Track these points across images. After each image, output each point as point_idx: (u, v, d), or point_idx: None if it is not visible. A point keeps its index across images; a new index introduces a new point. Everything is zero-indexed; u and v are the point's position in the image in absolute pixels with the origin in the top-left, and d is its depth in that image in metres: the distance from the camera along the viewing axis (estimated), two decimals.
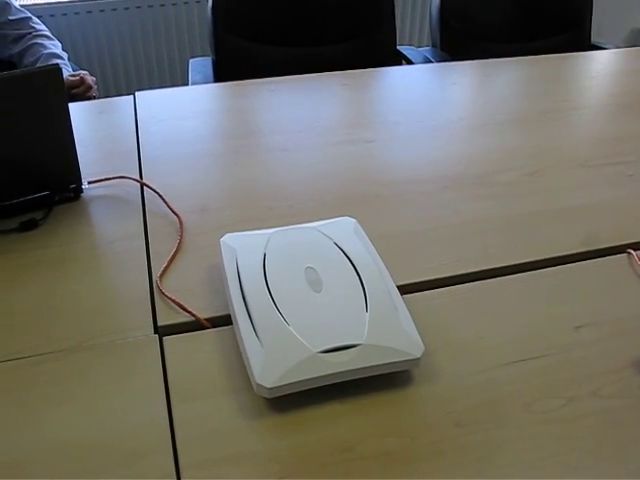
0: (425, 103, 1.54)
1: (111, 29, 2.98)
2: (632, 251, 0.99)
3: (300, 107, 1.51)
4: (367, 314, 0.77)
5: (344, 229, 0.90)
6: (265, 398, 0.74)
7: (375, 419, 0.74)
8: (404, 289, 0.89)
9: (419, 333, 0.78)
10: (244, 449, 0.70)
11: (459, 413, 0.75)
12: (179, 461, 0.69)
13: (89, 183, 1.14)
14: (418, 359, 0.75)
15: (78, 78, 1.96)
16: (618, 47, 2.12)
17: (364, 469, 0.69)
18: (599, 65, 1.83)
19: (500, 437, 0.73)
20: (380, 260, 0.86)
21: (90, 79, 1.99)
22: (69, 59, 2.11)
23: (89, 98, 1.94)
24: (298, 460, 0.69)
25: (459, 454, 0.70)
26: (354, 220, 0.93)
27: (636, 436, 0.73)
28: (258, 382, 0.71)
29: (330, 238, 0.87)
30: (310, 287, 0.80)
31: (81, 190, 1.12)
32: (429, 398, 0.76)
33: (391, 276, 0.85)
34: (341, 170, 1.22)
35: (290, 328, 0.74)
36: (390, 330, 0.77)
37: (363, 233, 0.90)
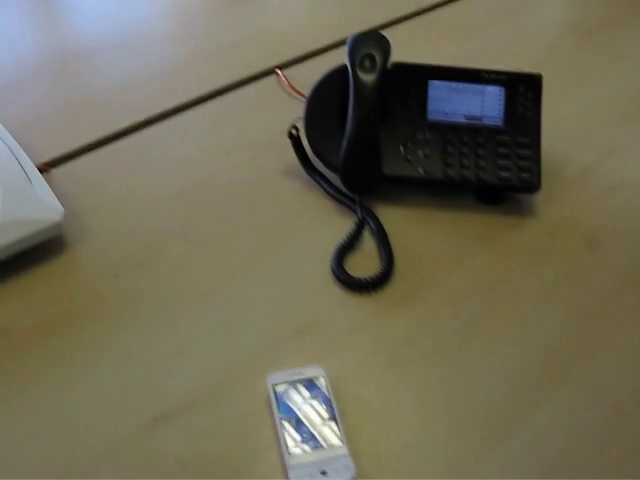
0: None
1: None
2: (279, 71, 1.01)
3: None
4: None
5: None
6: None
7: (31, 294, 0.71)
8: (53, 162, 0.87)
9: (70, 200, 0.78)
10: None
11: (117, 262, 0.74)
12: None
13: None
14: (59, 223, 0.73)
15: None
16: None
17: (25, 344, 0.67)
18: None
19: (159, 273, 0.73)
20: (12, 140, 0.80)
21: None
22: None
23: None
24: None
25: (121, 302, 0.71)
26: None
27: (285, 234, 0.79)
28: None
29: None
30: None
31: None
32: (86, 258, 0.75)
33: (32, 153, 0.80)
34: None
35: None
36: (25, 203, 0.73)
37: None
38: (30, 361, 0.65)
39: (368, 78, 0.77)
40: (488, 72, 0.81)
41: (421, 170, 0.79)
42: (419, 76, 0.82)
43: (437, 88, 0.81)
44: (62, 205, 0.73)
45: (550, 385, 0.65)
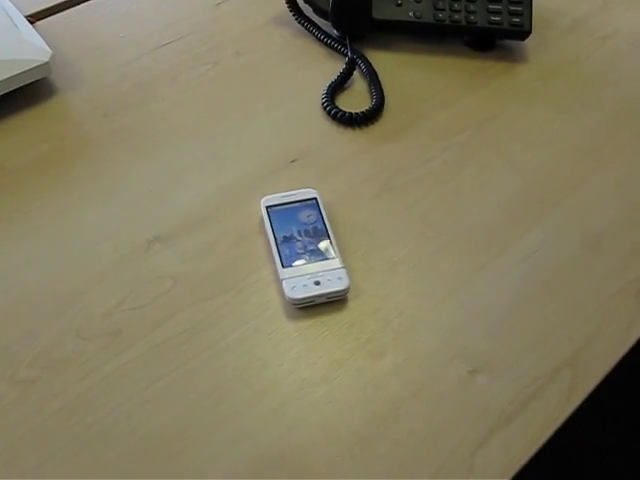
0: None
1: None
2: None
3: None
4: None
5: None
6: None
7: (22, 135, 0.71)
8: (39, 14, 0.85)
9: (59, 48, 0.77)
10: None
11: (107, 104, 0.74)
12: None
13: None
14: (47, 64, 0.72)
15: None
16: None
17: (20, 178, 0.67)
18: None
19: (149, 112, 0.73)
20: None
21: None
22: None
23: None
24: None
25: (112, 140, 0.71)
26: None
27: (275, 75, 0.78)
28: None
29: None
30: None
31: None
32: (76, 100, 0.74)
33: (18, 6, 0.79)
34: None
35: None
36: (11, 44, 0.72)
37: None
38: (25, 194, 0.66)
39: None
40: None
41: (411, 14, 0.79)
42: None
43: None
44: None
45: (539, 211, 0.66)
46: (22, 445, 0.50)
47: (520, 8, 0.79)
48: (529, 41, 0.80)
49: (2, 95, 0.71)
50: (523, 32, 0.79)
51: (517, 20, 0.78)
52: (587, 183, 0.69)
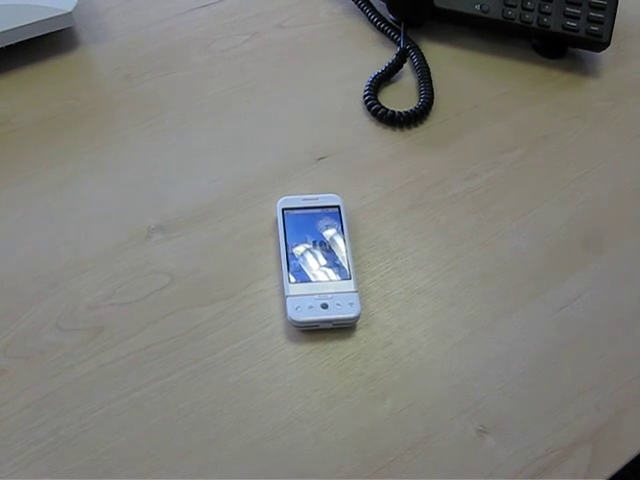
0: None
1: None
2: None
3: None
4: None
5: None
6: None
7: (35, 89, 0.65)
8: None
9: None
10: None
11: (131, 66, 0.67)
12: None
13: None
14: (70, 13, 0.65)
15: None
16: None
17: (23, 137, 0.61)
18: None
19: (174, 81, 0.66)
20: None
21: None
22: None
23: None
24: None
25: (128, 104, 0.64)
26: None
27: (317, 56, 0.71)
28: None
29: None
30: None
31: None
32: (97, 58, 0.68)
33: None
34: None
35: None
36: None
37: None
38: (26, 156, 0.61)
39: None
40: None
41: (478, 7, 0.70)
42: None
43: None
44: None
45: (586, 253, 0.59)
46: None
47: (601, 15, 0.70)
48: (605, 54, 0.72)
49: (20, 42, 0.64)
50: (600, 43, 0.70)
51: (595, 29, 0.70)
52: None
